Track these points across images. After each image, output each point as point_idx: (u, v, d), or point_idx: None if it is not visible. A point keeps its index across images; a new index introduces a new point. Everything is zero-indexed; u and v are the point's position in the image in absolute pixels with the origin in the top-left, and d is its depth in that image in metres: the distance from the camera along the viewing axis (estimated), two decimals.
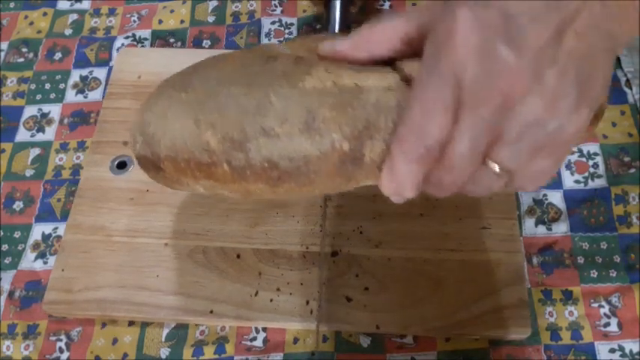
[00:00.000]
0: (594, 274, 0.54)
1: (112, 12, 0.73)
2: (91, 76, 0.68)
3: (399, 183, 0.29)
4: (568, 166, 0.59)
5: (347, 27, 0.56)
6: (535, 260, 0.55)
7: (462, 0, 0.27)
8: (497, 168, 0.29)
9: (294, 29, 0.70)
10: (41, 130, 0.65)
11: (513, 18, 0.26)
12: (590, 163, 0.59)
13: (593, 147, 0.59)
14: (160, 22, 0.72)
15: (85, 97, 0.67)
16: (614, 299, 0.53)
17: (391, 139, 0.29)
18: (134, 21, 0.72)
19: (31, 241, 0.58)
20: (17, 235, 0.59)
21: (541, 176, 0.30)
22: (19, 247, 0.58)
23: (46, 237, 0.58)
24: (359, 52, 0.32)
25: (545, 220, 0.56)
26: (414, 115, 0.28)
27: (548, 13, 0.26)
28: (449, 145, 0.28)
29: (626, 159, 0.59)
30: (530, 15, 0.26)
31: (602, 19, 0.28)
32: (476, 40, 0.26)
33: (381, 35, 0.32)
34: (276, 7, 0.72)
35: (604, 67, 0.29)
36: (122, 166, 0.59)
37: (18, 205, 0.60)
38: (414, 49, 0.31)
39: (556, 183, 0.58)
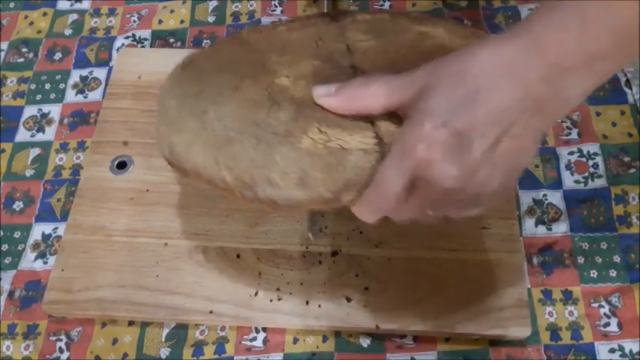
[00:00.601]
0: (594, 274, 0.54)
1: (112, 12, 0.73)
2: (91, 76, 0.68)
3: (365, 217, 0.40)
4: (568, 166, 0.59)
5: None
6: (535, 260, 0.55)
7: (430, 108, 0.34)
8: (433, 214, 0.38)
9: None
10: (41, 130, 0.65)
11: (464, 137, 0.33)
12: (590, 163, 0.59)
13: (593, 147, 0.59)
14: (160, 22, 0.72)
15: (85, 97, 0.67)
16: (614, 299, 0.53)
17: (362, 189, 0.38)
18: (134, 21, 0.72)
19: (31, 241, 0.58)
20: (17, 235, 0.59)
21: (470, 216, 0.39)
22: (19, 247, 0.58)
23: (46, 237, 0.58)
24: (345, 111, 0.39)
25: (545, 220, 0.56)
26: (380, 188, 0.37)
27: (492, 128, 0.33)
28: (401, 205, 0.37)
29: (626, 159, 0.59)
30: (478, 133, 0.33)
31: (535, 123, 0.34)
32: (432, 155, 0.34)
33: (366, 102, 0.38)
34: (276, 7, 0.72)
35: (530, 152, 0.36)
36: (122, 166, 0.59)
37: (18, 205, 0.60)
38: (390, 112, 0.38)
39: (556, 183, 0.58)
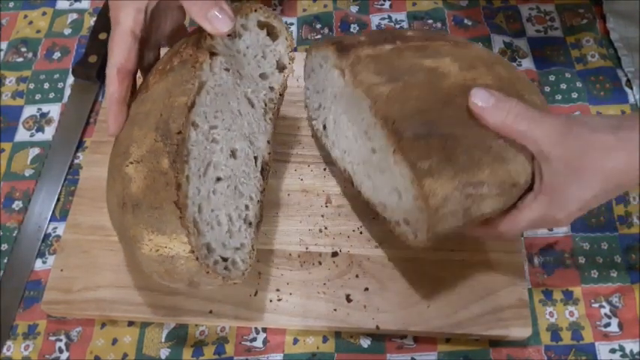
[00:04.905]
0: (595, 274, 0.54)
1: None
2: None
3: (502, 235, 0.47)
4: None
5: None
6: (536, 260, 0.55)
7: (575, 204, 0.43)
8: None
9: (294, 28, 0.70)
10: (40, 129, 0.65)
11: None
12: None
13: None
14: None
15: None
16: (614, 299, 0.53)
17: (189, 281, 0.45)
18: None
19: None
20: (16, 234, 0.59)
21: None
22: None
23: (45, 236, 0.58)
24: (499, 130, 0.44)
25: None
26: (514, 226, 0.45)
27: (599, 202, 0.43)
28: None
29: None
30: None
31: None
32: (564, 224, 0.45)
33: (516, 126, 0.43)
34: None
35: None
36: None
37: (17, 205, 0.60)
38: None
39: None
